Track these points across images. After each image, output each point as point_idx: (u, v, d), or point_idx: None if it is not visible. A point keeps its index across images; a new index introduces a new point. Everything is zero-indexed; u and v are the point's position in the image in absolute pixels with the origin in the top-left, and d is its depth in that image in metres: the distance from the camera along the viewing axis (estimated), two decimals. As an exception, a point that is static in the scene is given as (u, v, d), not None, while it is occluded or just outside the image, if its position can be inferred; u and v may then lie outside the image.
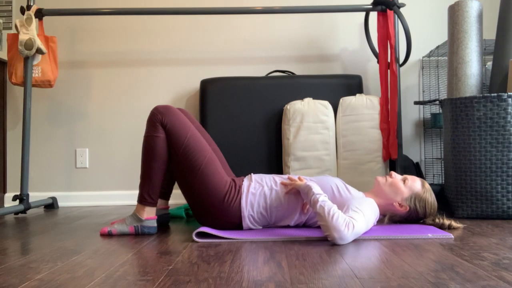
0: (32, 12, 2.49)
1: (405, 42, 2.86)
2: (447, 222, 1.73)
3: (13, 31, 2.92)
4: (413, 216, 1.76)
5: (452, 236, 1.57)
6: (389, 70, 2.57)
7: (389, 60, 2.58)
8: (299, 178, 1.73)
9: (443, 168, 2.82)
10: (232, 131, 2.72)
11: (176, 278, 1.12)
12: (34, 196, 2.92)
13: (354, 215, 1.52)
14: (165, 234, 1.78)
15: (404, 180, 1.76)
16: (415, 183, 1.75)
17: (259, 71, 2.98)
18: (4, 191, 2.97)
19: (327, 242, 1.52)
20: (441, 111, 2.76)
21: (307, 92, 2.74)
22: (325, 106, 2.56)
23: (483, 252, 1.35)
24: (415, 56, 2.97)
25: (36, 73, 2.57)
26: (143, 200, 1.74)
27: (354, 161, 2.51)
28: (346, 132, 2.54)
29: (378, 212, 1.68)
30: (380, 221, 1.81)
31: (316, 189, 1.59)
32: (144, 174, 1.74)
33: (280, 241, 1.57)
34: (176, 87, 3.00)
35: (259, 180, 1.76)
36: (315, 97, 2.72)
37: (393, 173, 1.79)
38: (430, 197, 1.75)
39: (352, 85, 2.76)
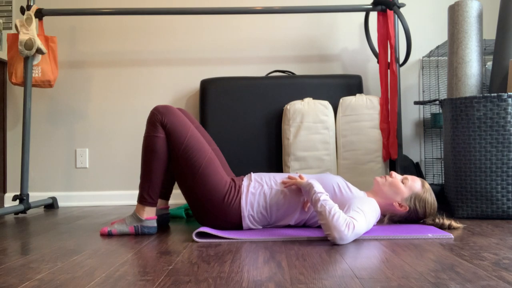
0: (32, 12, 2.49)
1: (405, 42, 2.86)
2: (447, 222, 1.73)
3: (13, 31, 2.93)
4: (413, 216, 1.76)
5: (452, 236, 1.57)
6: (389, 70, 2.57)
7: (389, 60, 2.58)
8: (300, 177, 1.73)
9: (443, 168, 2.82)
10: (232, 131, 2.72)
11: (176, 278, 1.12)
12: (34, 196, 2.92)
13: (355, 215, 1.52)
14: (165, 234, 1.78)
15: (404, 180, 1.75)
16: (415, 183, 1.75)
17: (259, 71, 2.98)
18: (4, 191, 2.97)
19: (327, 242, 1.52)
20: (441, 111, 2.76)
21: (307, 92, 2.74)
22: (325, 106, 2.56)
23: (483, 252, 1.35)
24: (415, 56, 2.97)
25: (36, 73, 2.57)
26: (143, 200, 1.74)
27: (354, 161, 2.51)
28: (346, 132, 2.54)
29: (379, 212, 1.68)
30: (380, 221, 1.81)
31: (317, 187, 1.59)
32: (144, 174, 1.74)
33: (280, 241, 1.57)
34: (176, 87, 3.00)
35: (258, 180, 1.76)
36: (315, 97, 2.72)
37: (393, 173, 1.79)
38: (430, 197, 1.75)
39: (352, 85, 2.76)
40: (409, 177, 1.77)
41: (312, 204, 1.56)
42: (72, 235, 1.77)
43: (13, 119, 3.00)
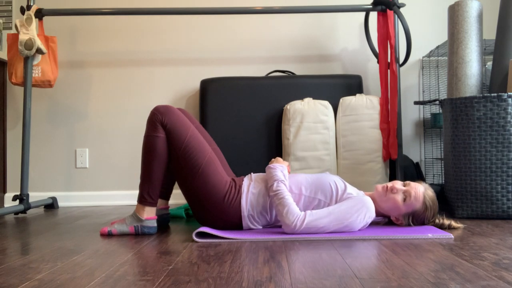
0: (32, 12, 2.49)
1: (405, 42, 2.86)
2: (447, 222, 1.73)
3: (13, 31, 2.92)
4: (410, 225, 1.75)
5: (452, 236, 1.57)
6: (389, 70, 2.57)
7: (389, 60, 2.58)
8: (277, 160, 1.80)
9: (443, 168, 2.82)
10: (232, 131, 2.72)
11: (176, 278, 1.12)
12: (34, 196, 2.92)
13: (318, 211, 1.61)
14: (165, 234, 1.78)
15: (406, 197, 1.68)
16: (416, 202, 1.67)
17: (259, 71, 2.98)
18: (4, 191, 2.97)
19: (327, 242, 1.52)
20: (441, 111, 2.76)
21: (307, 92, 2.74)
22: (325, 106, 2.56)
23: (483, 252, 1.35)
24: (415, 56, 2.97)
25: (36, 73, 2.57)
26: (143, 200, 1.74)
27: (354, 161, 2.51)
28: (346, 132, 2.54)
29: (372, 212, 1.66)
30: (378, 223, 1.81)
31: (272, 177, 1.68)
32: (144, 174, 1.74)
33: (280, 241, 1.57)
34: (176, 87, 3.00)
35: (259, 180, 1.76)
36: (315, 97, 2.72)
37: (396, 187, 1.69)
38: (430, 212, 1.70)
39: (352, 85, 2.76)
40: (412, 192, 1.67)
41: (269, 190, 1.68)
42: (72, 235, 1.77)
43: (13, 119, 3.00)
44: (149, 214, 1.75)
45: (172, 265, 1.25)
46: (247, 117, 2.73)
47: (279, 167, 1.72)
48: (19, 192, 2.93)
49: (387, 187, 1.71)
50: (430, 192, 1.71)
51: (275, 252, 1.39)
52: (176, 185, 2.42)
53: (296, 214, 1.59)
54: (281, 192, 1.63)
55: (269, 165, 1.75)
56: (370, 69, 2.98)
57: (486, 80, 2.50)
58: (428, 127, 2.94)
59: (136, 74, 3.00)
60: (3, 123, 2.96)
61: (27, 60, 2.49)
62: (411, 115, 2.97)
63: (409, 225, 1.73)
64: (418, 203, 1.68)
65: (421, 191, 1.68)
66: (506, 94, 1.96)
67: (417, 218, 1.71)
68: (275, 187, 1.65)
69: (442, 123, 2.67)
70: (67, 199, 2.94)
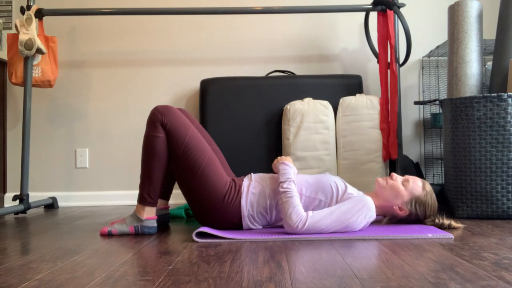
0: (32, 12, 2.49)
1: (405, 42, 2.86)
2: (447, 222, 1.73)
3: (13, 31, 2.92)
4: (413, 218, 1.76)
5: (452, 236, 1.57)
6: (389, 70, 2.57)
7: (389, 60, 2.58)
8: (287, 159, 1.78)
9: (443, 168, 2.82)
10: (232, 131, 2.72)
11: (176, 278, 1.12)
12: (34, 196, 2.92)
13: (319, 213, 1.60)
14: (165, 234, 1.78)
15: (404, 183, 1.74)
16: (416, 186, 1.73)
17: (259, 71, 2.98)
18: (4, 191, 2.97)
19: (327, 242, 1.52)
20: (441, 111, 2.76)
21: (307, 92, 2.74)
22: (325, 106, 2.56)
23: (483, 252, 1.35)
24: (415, 56, 2.97)
25: (36, 73, 2.58)
26: (143, 200, 1.74)
27: (354, 161, 2.51)
28: (346, 132, 2.54)
29: (373, 213, 1.67)
30: (378, 222, 1.81)
31: (285, 174, 1.68)
32: (144, 174, 1.74)
33: (280, 241, 1.57)
34: (176, 87, 3.00)
35: (259, 180, 1.76)
36: (315, 97, 2.72)
37: (394, 175, 1.77)
38: (431, 199, 1.74)
39: (352, 85, 2.76)
40: (410, 179, 1.75)
41: (279, 187, 1.67)
42: (72, 235, 1.77)
43: (13, 119, 3.00)
44: (149, 214, 1.75)
45: (172, 265, 1.25)
46: (247, 117, 2.73)
47: (293, 167, 1.73)
48: (19, 192, 2.93)
49: (386, 178, 1.78)
50: (428, 184, 1.78)
51: (275, 252, 1.39)
52: (176, 185, 2.43)
53: (300, 215, 1.59)
54: (290, 191, 1.63)
55: (284, 161, 1.74)
56: (370, 69, 2.98)
57: (486, 80, 2.50)
58: (428, 127, 2.94)
59: (136, 74, 3.00)
60: (3, 123, 2.96)
61: (27, 60, 2.49)
62: (411, 115, 2.97)
63: (410, 215, 1.73)
64: (418, 187, 1.73)
65: (419, 179, 1.77)
66: (506, 94, 1.97)
67: (419, 204, 1.72)
68: (286, 185, 1.64)
69: (442, 123, 2.67)
70: (67, 199, 2.94)
